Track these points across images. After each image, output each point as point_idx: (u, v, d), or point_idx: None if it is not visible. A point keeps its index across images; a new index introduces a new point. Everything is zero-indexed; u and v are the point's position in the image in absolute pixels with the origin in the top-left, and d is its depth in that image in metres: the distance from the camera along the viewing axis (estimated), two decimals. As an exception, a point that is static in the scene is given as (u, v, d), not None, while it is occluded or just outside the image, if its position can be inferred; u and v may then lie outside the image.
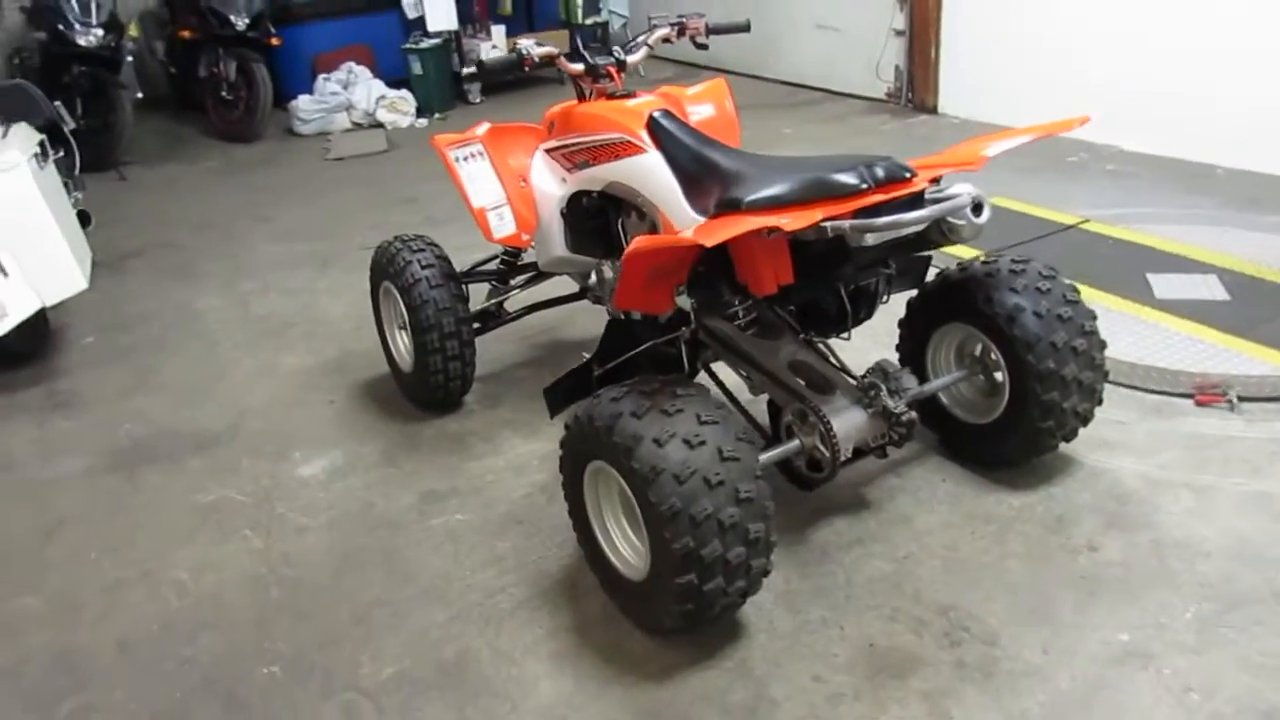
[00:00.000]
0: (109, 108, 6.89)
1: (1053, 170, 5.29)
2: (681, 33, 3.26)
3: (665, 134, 2.80)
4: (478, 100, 8.13)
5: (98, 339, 4.31)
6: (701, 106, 3.42)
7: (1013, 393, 2.68)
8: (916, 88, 6.66)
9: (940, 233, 2.41)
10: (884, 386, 2.54)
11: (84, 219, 4.57)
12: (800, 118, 6.86)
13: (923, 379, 2.93)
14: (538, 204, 3.23)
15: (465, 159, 3.15)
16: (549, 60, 3.06)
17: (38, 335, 4.17)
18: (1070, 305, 2.65)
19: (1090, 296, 3.59)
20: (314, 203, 5.98)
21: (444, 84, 7.91)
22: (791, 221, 2.20)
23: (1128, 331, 3.39)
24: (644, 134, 2.82)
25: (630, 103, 2.96)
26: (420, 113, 7.76)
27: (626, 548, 2.39)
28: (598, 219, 3.07)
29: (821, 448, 2.46)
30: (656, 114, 2.86)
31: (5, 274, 3.67)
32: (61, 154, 5.13)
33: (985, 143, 2.54)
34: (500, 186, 3.19)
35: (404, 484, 3.08)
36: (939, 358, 2.91)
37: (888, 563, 2.56)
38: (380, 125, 7.58)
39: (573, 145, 3.07)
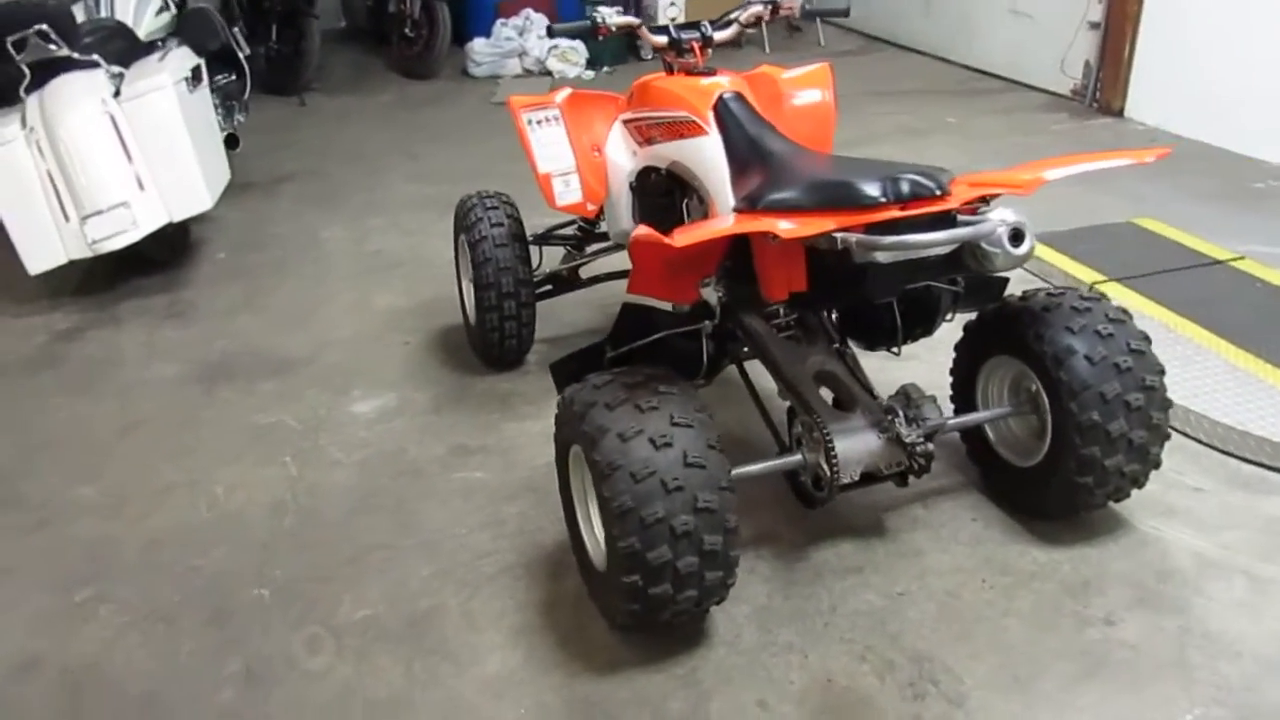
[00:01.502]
0: (300, 35, 7.31)
1: (1230, 197, 4.75)
2: (775, 12, 3.12)
3: (730, 118, 2.71)
4: (649, 56, 8.10)
5: (229, 256, 4.63)
6: (799, 91, 3.29)
7: (1053, 441, 2.46)
8: (1104, 87, 6.11)
9: (975, 259, 2.21)
10: (901, 413, 2.39)
11: (231, 142, 4.90)
12: (971, 108, 6.45)
13: (970, 409, 2.75)
14: (609, 175, 3.20)
15: (539, 123, 3.16)
16: (629, 30, 3.01)
17: (177, 246, 4.53)
18: (1133, 355, 2.38)
19: (1207, 344, 3.24)
20: (464, 145, 6.16)
21: (617, 37, 7.92)
22: (795, 229, 2.08)
23: (1240, 389, 3.02)
24: (710, 115, 2.74)
25: (705, 81, 2.88)
26: (590, 64, 7.83)
27: (595, 535, 2.38)
28: (665, 197, 3.01)
29: (824, 466, 2.35)
30: (726, 96, 2.77)
31: (142, 187, 4.00)
32: (233, 78, 5.54)
33: (1049, 166, 2.31)
34: (571, 154, 3.18)
35: (441, 434, 3.16)
36: (990, 389, 2.70)
37: (880, 597, 2.42)
38: (549, 74, 7.71)
39: (645, 119, 3.02)
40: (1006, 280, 2.74)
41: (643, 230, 2.13)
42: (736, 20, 3.12)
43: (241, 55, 5.55)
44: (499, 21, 7.98)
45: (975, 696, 2.14)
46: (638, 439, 2.08)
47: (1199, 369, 3.14)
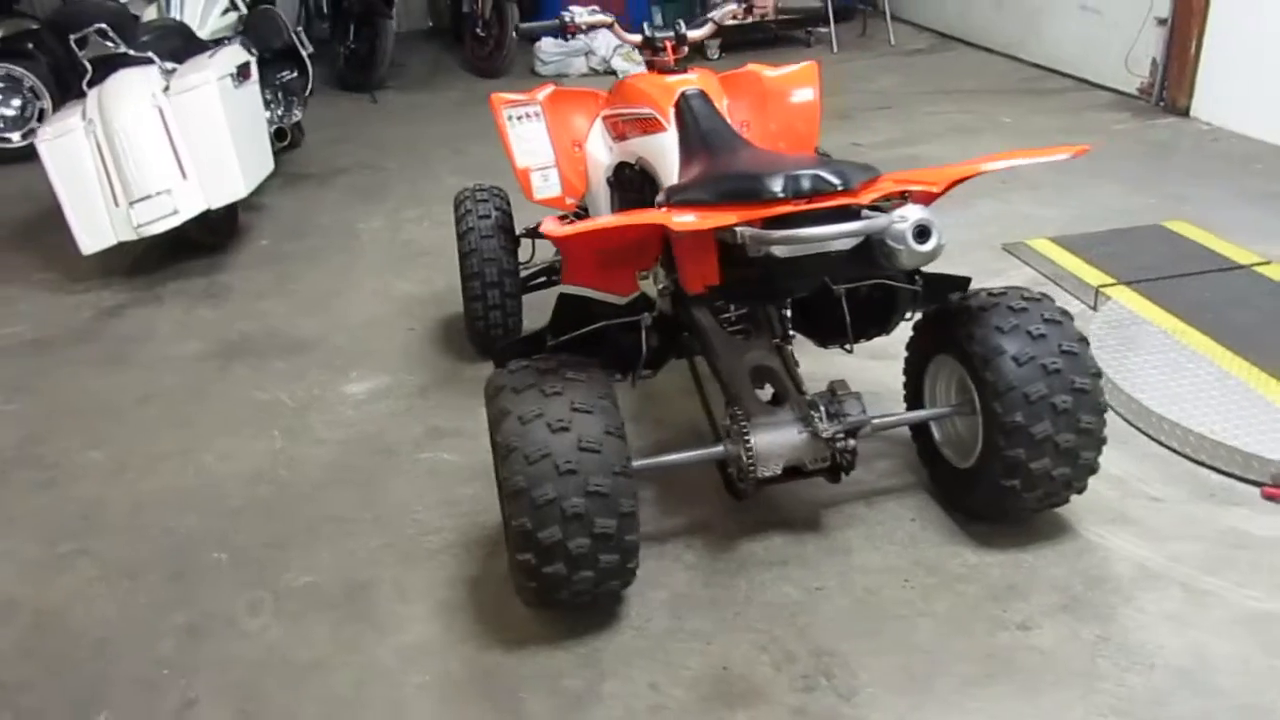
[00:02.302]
0: (376, 34, 7.62)
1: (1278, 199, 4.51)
2: (749, 10, 3.15)
3: (688, 115, 2.76)
4: (716, 56, 8.13)
5: (270, 243, 4.90)
6: (784, 89, 3.31)
7: (983, 442, 2.43)
8: (1170, 86, 5.84)
9: (885, 257, 2.20)
10: (824, 409, 2.40)
11: (280, 135, 5.17)
12: (1030, 107, 6.25)
13: (919, 408, 2.72)
14: (589, 170, 3.28)
15: (519, 119, 3.25)
16: (601, 28, 3.08)
17: (224, 232, 4.81)
18: (1065, 357, 2.33)
19: (1203, 350, 3.12)
20: (516, 142, 6.33)
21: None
22: (690, 223, 2.12)
23: (1225, 398, 2.89)
24: (671, 112, 2.80)
25: (671, 79, 2.93)
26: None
27: (508, 515, 2.46)
28: (640, 192, 3.08)
29: (744, 459, 2.38)
30: (688, 93, 2.82)
31: (184, 176, 4.28)
32: (295, 74, 5.84)
33: (973, 163, 2.28)
34: (550, 149, 3.26)
35: (421, 416, 3.30)
36: (937, 389, 2.67)
37: (798, 591, 2.43)
38: (614, 73, 7.81)
39: (620, 115, 3.09)
40: (967, 280, 2.71)
41: (546, 223, 2.20)
42: (711, 19, 3.16)
43: (304, 53, 5.84)
44: (567, 20, 8.12)
45: (866, 692, 2.13)
46: (536, 422, 2.16)
47: (1186, 376, 3.02)
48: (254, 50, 5.15)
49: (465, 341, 3.72)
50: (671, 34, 3.04)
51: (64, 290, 4.47)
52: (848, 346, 2.71)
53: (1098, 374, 2.36)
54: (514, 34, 7.75)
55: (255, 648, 2.38)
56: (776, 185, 2.13)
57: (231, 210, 4.83)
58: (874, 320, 2.71)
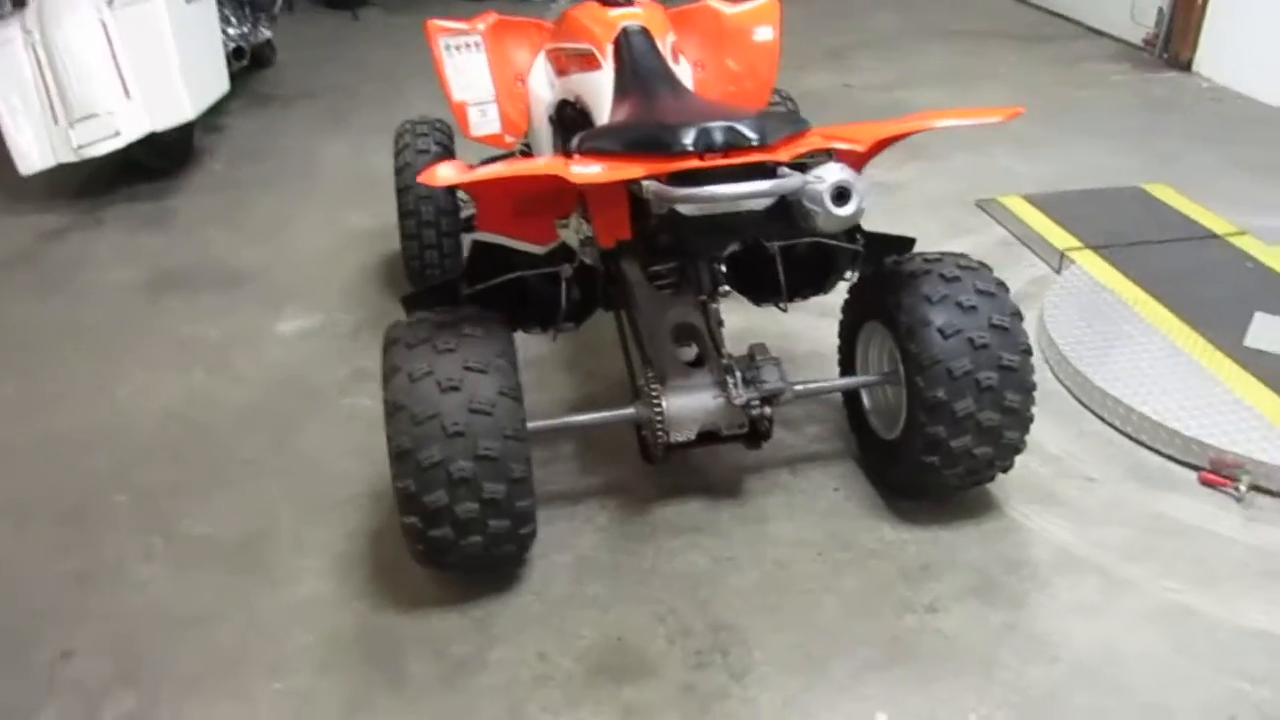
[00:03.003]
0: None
1: (1277, 167, 4.32)
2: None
3: (625, 54, 2.60)
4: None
5: (225, 167, 4.75)
6: (741, 27, 3.13)
7: (906, 416, 2.32)
8: (1174, 37, 5.59)
9: (804, 218, 2.06)
10: (739, 374, 2.29)
11: (239, 54, 4.98)
12: (1028, 55, 6.00)
13: (851, 373, 2.61)
14: (531, 107, 3.12)
15: (457, 49, 3.08)
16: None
17: (175, 154, 4.65)
18: (994, 331, 2.21)
19: (1159, 324, 3.00)
20: (494, 70, 6.12)
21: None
22: (593, 174, 1.99)
23: (1172, 376, 2.77)
24: (609, 49, 2.64)
25: (613, 13, 2.76)
26: (651, -6, 7.61)
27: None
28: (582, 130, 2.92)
29: (655, 424, 2.28)
30: (629, 29, 2.65)
31: (128, 95, 4.11)
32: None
33: (905, 122, 2.13)
34: (490, 83, 3.09)
35: (349, 358, 3.19)
36: (869, 355, 2.56)
37: (707, 560, 2.35)
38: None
39: (562, 49, 2.92)
40: (911, 241, 2.57)
41: (429, 171, 2.06)
42: (660, -51, 2.97)
43: (271, -33, 5.62)
44: (558, -59, 7.82)
45: (758, 672, 2.06)
46: (425, 380, 2.05)
47: (1137, 350, 2.90)
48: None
49: (406, 281, 3.60)
50: (618, -37, 2.86)
51: (5, 211, 4.34)
52: (783, 306, 2.59)
53: (1028, 350, 2.24)
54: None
55: (141, 598, 2.31)
56: (687, 138, 1.99)
57: (185, 133, 4.67)
58: (811, 279, 2.59)
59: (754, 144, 2.01)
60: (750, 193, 1.95)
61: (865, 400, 2.58)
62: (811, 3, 6.93)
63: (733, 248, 2.29)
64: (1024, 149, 4.59)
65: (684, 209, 2.00)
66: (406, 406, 2.03)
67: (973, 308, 2.22)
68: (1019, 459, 2.59)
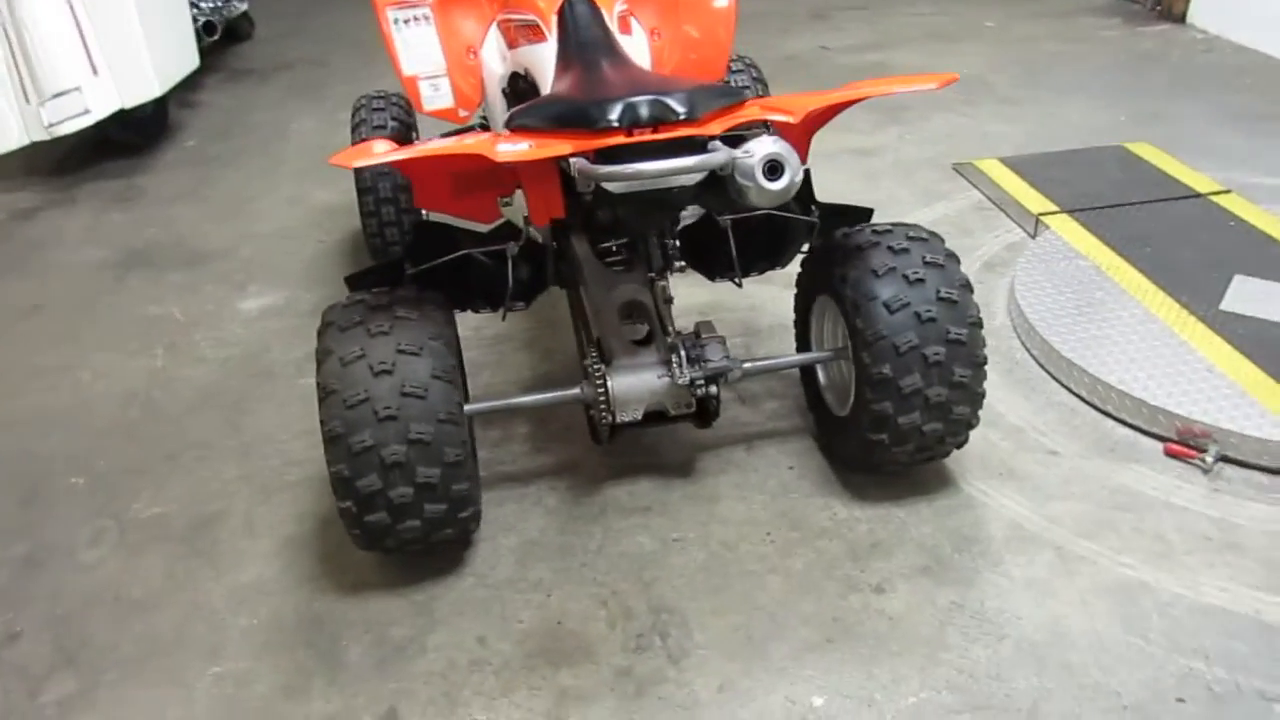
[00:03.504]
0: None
1: (1270, 118, 4.20)
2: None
3: (569, 24, 2.52)
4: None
5: (197, 144, 4.71)
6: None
7: (854, 392, 2.27)
8: (1169, -12, 5.45)
9: (737, 193, 2.00)
10: (684, 352, 2.24)
11: (209, 29, 4.92)
12: (1018, 10, 5.86)
13: (806, 350, 2.56)
14: (485, 80, 3.05)
15: (406, 21, 3.00)
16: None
17: (149, 131, 4.62)
18: (942, 304, 2.14)
19: (1133, 290, 2.93)
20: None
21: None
22: (518, 152, 1.93)
23: (1143, 344, 2.70)
24: (554, 20, 2.57)
25: (557, -17, 2.69)
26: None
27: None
28: (534, 104, 2.86)
29: (600, 404, 2.24)
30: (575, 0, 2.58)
31: (96, 72, 4.07)
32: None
33: (835, 93, 2.06)
34: (441, 55, 3.02)
35: (309, 336, 3.10)
36: (822, 330, 2.50)
37: (653, 541, 2.32)
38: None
39: (511, 20, 2.85)
40: (869, 212, 2.51)
41: (341, 153, 2.01)
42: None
43: (246, -62, 5.53)
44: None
45: (697, 655, 2.03)
46: (357, 364, 2.02)
47: (1107, 317, 2.83)
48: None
49: (370, 258, 3.56)
50: (567, -73, 2.78)
51: (-23, 190, 4.33)
52: (738, 281, 2.54)
53: (977, 323, 2.18)
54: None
55: (89, 581, 2.30)
56: (612, 113, 1.93)
57: (160, 109, 4.64)
58: (766, 253, 2.54)
59: (682, 118, 1.95)
60: (675, 169, 1.89)
61: (820, 376, 2.53)
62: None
63: (688, 222, 2.23)
64: (1004, 109, 4.49)
65: (610, 186, 1.95)
66: (338, 390, 2.00)
67: (920, 280, 2.16)
68: (979, 432, 2.55)
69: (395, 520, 2.06)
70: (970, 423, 2.25)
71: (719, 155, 1.91)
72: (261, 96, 5.26)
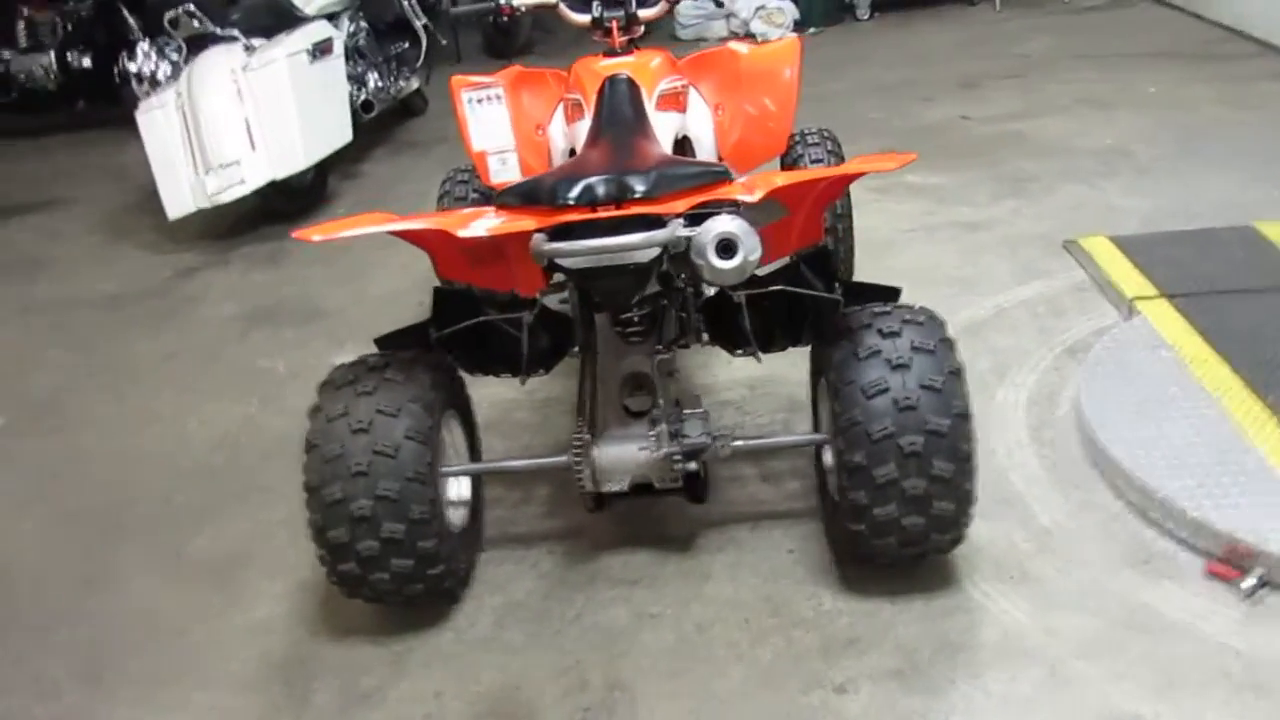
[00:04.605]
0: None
1: None
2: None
3: (603, 104, 2.65)
4: (866, 16, 7.64)
5: (346, 210, 5.14)
6: (760, 68, 3.11)
7: (835, 479, 2.18)
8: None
9: (698, 271, 2.00)
10: (665, 427, 2.24)
11: (367, 107, 5.40)
12: (1187, 76, 5.44)
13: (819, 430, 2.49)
14: (551, 154, 3.20)
15: (479, 101, 3.20)
16: (542, 10, 2.97)
17: (306, 198, 5.09)
18: (925, 392, 2.04)
19: (1215, 389, 2.67)
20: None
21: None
22: (492, 227, 2.04)
23: (1201, 446, 2.43)
24: (594, 99, 2.70)
25: (603, 63, 2.83)
26: (798, 26, 7.54)
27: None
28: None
29: (576, 473, 2.28)
30: (614, 79, 2.70)
31: (253, 148, 4.57)
32: (407, 45, 6.07)
33: (796, 175, 2.03)
34: (510, 132, 3.19)
35: (384, 393, 3.38)
36: (822, 411, 2.43)
37: (630, 615, 2.31)
38: (752, 36, 7.53)
39: (568, 99, 3.00)
40: (896, 291, 2.43)
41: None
42: (663, -2, 2.97)
43: (418, 24, 6.04)
44: (708, -18, 7.92)
45: (636, 737, 2.01)
46: (339, 421, 2.16)
47: (1174, 416, 2.57)
48: (363, 22, 5.41)
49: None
50: (620, 13, 2.90)
51: (160, 250, 4.92)
52: (757, 356, 2.51)
53: (963, 414, 2.05)
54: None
55: (129, 606, 2.56)
56: (572, 191, 1.99)
57: (318, 179, 5.12)
58: (786, 330, 2.50)
59: (636, 196, 1.98)
60: (616, 246, 1.93)
61: (826, 459, 2.45)
62: (962, 30, 6.65)
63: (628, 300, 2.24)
64: (1141, 181, 4.19)
65: (562, 261, 2.00)
66: (320, 445, 2.16)
67: (903, 365, 2.07)
68: (1002, 529, 2.41)
69: (365, 571, 2.17)
70: (955, 519, 2.11)
71: (661, 234, 1.93)
72: (416, 168, 5.69)
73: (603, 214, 1.98)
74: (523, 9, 2.97)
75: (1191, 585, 2.19)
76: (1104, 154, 4.48)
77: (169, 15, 4.72)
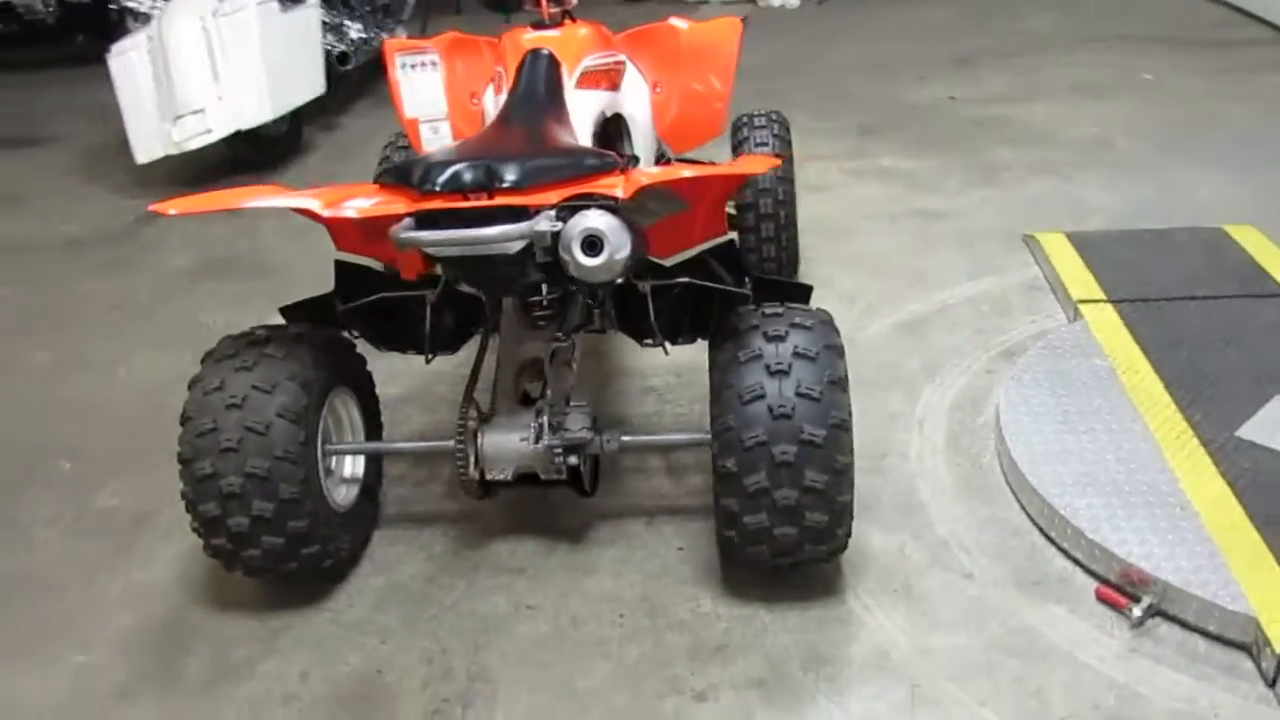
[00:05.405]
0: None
1: None
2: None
3: (519, 79, 2.57)
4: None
5: (317, 162, 5.10)
6: (698, 45, 3.03)
7: (713, 483, 2.13)
8: (1376, 47, 4.69)
9: (565, 266, 1.93)
10: (546, 420, 2.20)
11: (343, 59, 5.31)
12: (1190, 63, 5.25)
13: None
14: (484, 124, 3.12)
15: (413, 67, 3.11)
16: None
17: (277, 149, 5.03)
18: (802, 400, 1.97)
19: (1140, 398, 2.58)
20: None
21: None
22: (358, 209, 1.98)
23: (1113, 464, 2.35)
24: (513, 73, 2.62)
25: (527, 36, 2.75)
26: (806, -8, 7.35)
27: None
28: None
29: (458, 459, 2.24)
30: (534, 53, 2.62)
31: (220, 96, 4.51)
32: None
33: (671, 169, 1.95)
34: (444, 100, 3.11)
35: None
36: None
37: (508, 605, 2.28)
38: (752, 1, 7.35)
39: (496, 70, 2.92)
40: (807, 289, 2.37)
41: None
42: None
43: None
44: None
45: (488, 732, 1.98)
46: (214, 395, 2.13)
47: (1094, 428, 2.49)
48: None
49: (407, 284, 3.71)
50: (545, -15, 2.81)
51: (129, 194, 4.88)
52: (664, 347, 2.45)
53: (841, 425, 1.99)
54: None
55: (25, 561, 2.56)
56: (440, 176, 1.93)
57: (294, 128, 5.06)
58: (691, 322, 2.44)
59: (507, 186, 1.92)
60: (474, 239, 1.87)
61: (721, 458, 2.39)
62: (966, 3, 6.42)
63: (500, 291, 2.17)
64: (1117, 175, 4.05)
65: (428, 250, 1.95)
66: (194, 418, 2.13)
67: (782, 371, 2.00)
68: (896, 539, 2.36)
69: (237, 547, 2.15)
70: (830, 532, 2.05)
71: (520, 227, 1.86)
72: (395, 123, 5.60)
73: (470, 203, 1.91)
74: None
75: (1081, 609, 2.12)
76: (1085, 144, 4.33)
77: (141, -45, 4.65)
